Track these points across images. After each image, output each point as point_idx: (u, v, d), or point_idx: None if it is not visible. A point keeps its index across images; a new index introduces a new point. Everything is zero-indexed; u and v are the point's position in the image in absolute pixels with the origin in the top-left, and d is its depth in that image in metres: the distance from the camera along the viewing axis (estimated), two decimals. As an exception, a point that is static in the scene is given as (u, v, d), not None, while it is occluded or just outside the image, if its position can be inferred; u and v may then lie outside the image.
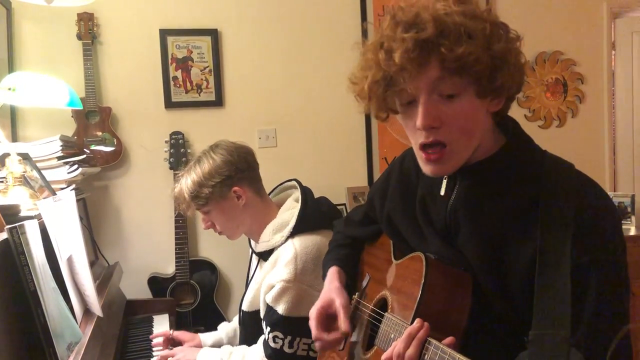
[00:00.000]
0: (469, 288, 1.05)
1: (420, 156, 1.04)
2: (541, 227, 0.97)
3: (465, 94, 0.96)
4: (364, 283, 1.36)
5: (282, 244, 1.76)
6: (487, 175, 1.05)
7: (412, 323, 1.02)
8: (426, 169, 1.04)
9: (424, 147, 1.00)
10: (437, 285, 1.05)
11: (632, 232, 2.98)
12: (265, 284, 1.73)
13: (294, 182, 1.96)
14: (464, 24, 0.91)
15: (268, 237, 1.80)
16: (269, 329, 1.70)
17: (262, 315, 1.78)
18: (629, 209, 3.02)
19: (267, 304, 1.71)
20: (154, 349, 1.97)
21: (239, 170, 1.79)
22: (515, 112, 3.10)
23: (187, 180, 1.80)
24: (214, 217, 1.85)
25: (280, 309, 1.67)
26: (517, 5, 3.19)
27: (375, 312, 1.22)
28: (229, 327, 2.12)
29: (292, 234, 1.76)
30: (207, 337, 2.08)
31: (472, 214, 1.06)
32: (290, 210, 1.82)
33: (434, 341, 0.94)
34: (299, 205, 1.80)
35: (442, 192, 1.10)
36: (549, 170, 1.02)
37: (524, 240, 0.99)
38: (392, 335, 1.08)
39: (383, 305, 1.23)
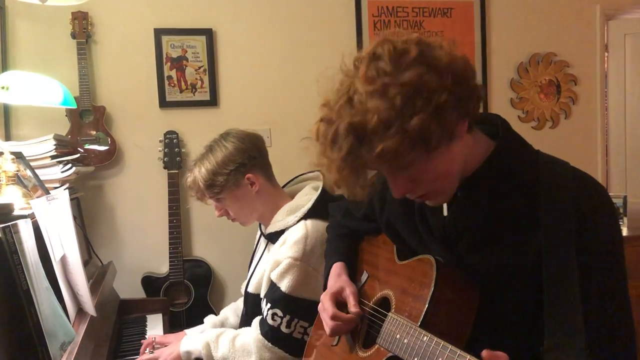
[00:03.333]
0: (475, 294, 1.05)
1: None
2: (544, 228, 0.97)
3: (417, 159, 0.93)
4: (362, 281, 1.37)
5: (293, 224, 1.76)
6: (481, 185, 1.04)
7: (421, 325, 1.03)
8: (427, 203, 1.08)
9: None
10: (446, 289, 1.05)
11: (624, 233, 3.00)
12: (272, 260, 1.72)
13: (317, 174, 1.95)
14: (376, 111, 0.88)
15: (281, 217, 1.80)
16: (269, 305, 1.69)
17: (262, 293, 1.77)
18: (621, 210, 3.04)
19: (271, 280, 1.71)
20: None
21: (251, 157, 1.81)
22: (509, 113, 3.17)
23: (201, 169, 1.81)
24: (228, 204, 1.86)
25: (284, 286, 1.66)
26: (511, 7, 3.21)
27: (376, 311, 1.23)
28: (217, 320, 2.12)
29: (306, 217, 1.75)
30: (193, 332, 2.08)
31: (471, 225, 1.07)
32: (307, 195, 1.83)
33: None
34: (317, 193, 1.80)
35: (445, 213, 1.11)
36: (545, 170, 1.02)
37: (526, 242, 0.99)
38: (398, 336, 1.08)
39: (383, 304, 1.23)
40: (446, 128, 0.90)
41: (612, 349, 0.94)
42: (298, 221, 1.76)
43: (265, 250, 1.92)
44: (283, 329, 1.67)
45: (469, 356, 0.88)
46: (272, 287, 1.70)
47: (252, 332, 1.73)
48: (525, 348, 0.98)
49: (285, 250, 1.69)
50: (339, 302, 1.31)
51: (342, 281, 1.35)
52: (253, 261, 2.01)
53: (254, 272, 1.92)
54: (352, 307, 1.26)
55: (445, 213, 1.10)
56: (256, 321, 1.77)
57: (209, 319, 2.14)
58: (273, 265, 1.72)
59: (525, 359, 0.95)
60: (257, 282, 1.85)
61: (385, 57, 0.91)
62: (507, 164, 1.04)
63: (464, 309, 1.04)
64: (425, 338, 0.99)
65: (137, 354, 1.94)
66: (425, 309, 1.03)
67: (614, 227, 1.00)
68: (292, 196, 1.89)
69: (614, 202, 1.03)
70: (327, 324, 1.27)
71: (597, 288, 0.94)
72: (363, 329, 1.27)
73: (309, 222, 1.74)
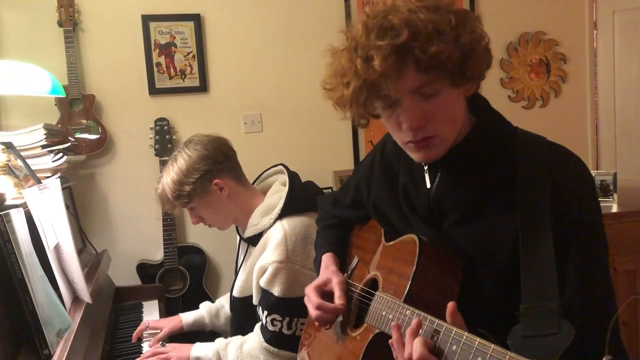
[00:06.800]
0: (459, 270, 1.07)
1: (408, 148, 1.06)
2: (521, 201, 1.00)
3: (443, 89, 0.98)
4: (353, 265, 1.39)
5: (270, 226, 1.77)
6: (463, 159, 1.07)
7: (405, 300, 1.05)
8: (416, 156, 1.08)
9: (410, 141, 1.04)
10: (429, 266, 1.07)
11: (614, 209, 3.02)
12: (257, 268, 1.74)
13: (280, 167, 1.97)
14: (431, 21, 0.93)
15: (256, 221, 1.81)
16: (266, 312, 1.71)
17: (255, 300, 1.79)
18: (611, 187, 3.05)
19: (262, 288, 1.72)
20: (142, 342, 1.96)
21: (216, 163, 1.80)
22: (499, 92, 3.18)
23: (167, 180, 1.81)
24: (200, 212, 1.87)
25: (276, 290, 1.68)
26: (499, -15, 3.20)
27: (365, 292, 1.25)
28: (212, 307, 2.14)
29: (280, 216, 1.77)
30: (188, 316, 2.10)
31: (456, 200, 1.09)
32: (277, 194, 1.84)
33: (443, 324, 0.92)
34: (286, 189, 1.81)
35: (428, 185, 1.13)
36: (522, 145, 1.05)
37: (506, 216, 1.02)
38: (384, 313, 1.10)
39: (372, 285, 1.25)
40: (478, 66, 1.00)
41: (589, 313, 0.95)
42: (274, 222, 1.77)
43: (247, 254, 1.93)
44: (285, 331, 1.69)
45: (445, 325, 0.90)
46: (265, 294, 1.72)
47: (257, 339, 1.75)
48: (505, 315, 1.00)
49: (269, 255, 1.70)
50: (325, 293, 1.32)
51: (329, 272, 1.37)
52: (237, 265, 2.02)
53: (238, 276, 1.93)
54: (338, 298, 1.27)
55: (428, 185, 1.13)
56: (257, 328, 1.78)
57: (204, 305, 2.16)
58: (259, 272, 1.73)
59: (503, 324, 0.97)
60: (241, 287, 1.87)
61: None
62: (486, 139, 1.07)
63: (447, 282, 1.07)
64: (407, 312, 1.02)
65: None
66: (408, 284, 1.06)
67: (589, 194, 1.02)
68: (264, 193, 1.89)
69: (590, 171, 1.06)
70: (312, 314, 1.29)
71: (576, 255, 0.96)
72: (354, 311, 1.29)
73: (284, 221, 1.75)
